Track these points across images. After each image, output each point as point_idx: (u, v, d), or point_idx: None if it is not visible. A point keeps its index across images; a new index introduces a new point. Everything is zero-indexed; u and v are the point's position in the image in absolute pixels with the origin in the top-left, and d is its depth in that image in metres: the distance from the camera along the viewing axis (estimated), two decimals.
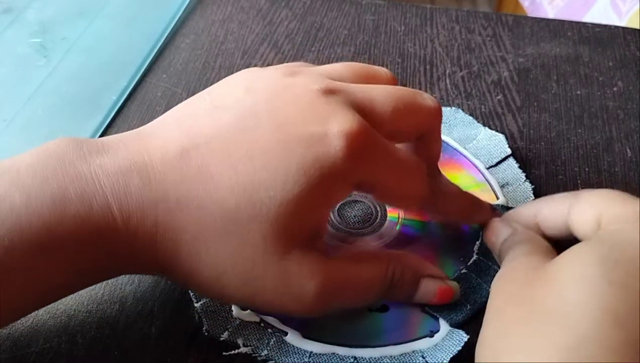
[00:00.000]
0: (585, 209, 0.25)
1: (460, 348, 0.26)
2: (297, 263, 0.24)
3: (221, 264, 0.24)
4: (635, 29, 0.44)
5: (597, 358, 0.18)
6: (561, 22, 0.45)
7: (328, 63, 0.41)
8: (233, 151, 0.24)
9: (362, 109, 0.25)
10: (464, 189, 0.30)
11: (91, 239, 0.22)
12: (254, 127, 0.24)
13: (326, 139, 0.23)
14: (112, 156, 0.24)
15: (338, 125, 0.24)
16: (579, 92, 0.39)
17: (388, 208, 0.32)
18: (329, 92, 0.25)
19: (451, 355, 0.26)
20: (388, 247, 0.30)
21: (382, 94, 0.26)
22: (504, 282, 0.25)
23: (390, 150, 0.26)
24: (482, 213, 0.30)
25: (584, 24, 0.45)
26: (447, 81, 0.40)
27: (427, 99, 0.27)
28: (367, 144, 0.24)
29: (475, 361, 0.22)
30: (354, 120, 0.24)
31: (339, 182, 0.24)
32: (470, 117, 0.37)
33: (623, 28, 0.44)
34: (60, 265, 0.22)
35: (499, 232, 0.28)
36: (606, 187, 0.34)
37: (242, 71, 0.27)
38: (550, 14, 1.01)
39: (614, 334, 0.19)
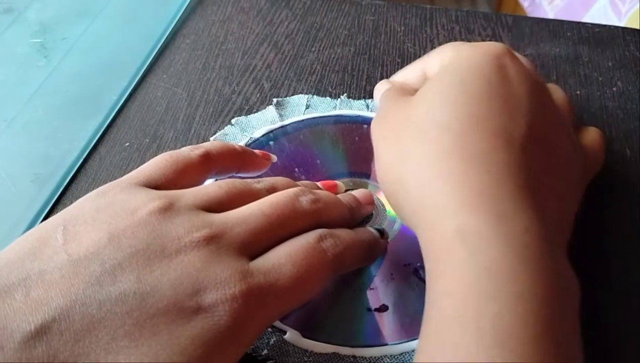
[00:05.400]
0: (433, 61, 0.32)
1: None
2: None
3: None
4: (634, 29, 0.44)
5: (461, 158, 0.24)
6: (561, 23, 0.45)
7: (328, 63, 0.42)
8: (88, 331, 0.20)
9: (245, 245, 0.23)
10: None
11: None
12: (117, 297, 0.20)
13: (201, 312, 0.21)
14: None
15: (215, 293, 0.21)
16: (578, 92, 0.39)
17: (388, 208, 0.32)
18: (208, 242, 0.22)
19: None
20: (388, 246, 0.31)
21: (261, 218, 0.24)
22: (382, 121, 0.30)
23: (282, 286, 0.23)
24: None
25: (584, 24, 0.45)
26: None
27: (306, 201, 0.26)
28: (253, 300, 0.22)
29: (382, 179, 0.28)
30: (234, 280, 0.22)
31: (231, 347, 0.21)
32: None
33: (622, 28, 0.44)
34: None
35: (380, 88, 0.34)
36: (606, 187, 0.34)
37: (107, 194, 0.24)
38: (550, 14, 1.01)
39: (474, 140, 0.25)
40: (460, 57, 0.28)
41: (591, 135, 0.31)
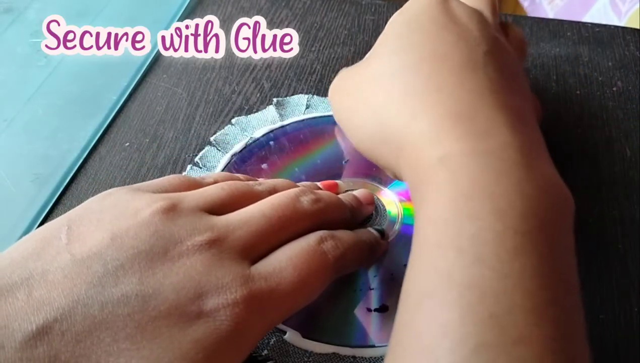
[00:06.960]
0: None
1: None
2: None
3: None
4: (634, 29, 0.44)
5: (433, 91, 0.25)
6: (561, 22, 0.45)
7: (328, 63, 0.42)
8: (89, 332, 0.19)
9: (247, 249, 0.23)
10: None
11: None
12: (120, 298, 0.20)
13: (203, 316, 0.21)
14: None
15: (217, 298, 0.21)
16: (578, 92, 0.39)
17: (388, 208, 0.32)
18: (210, 245, 0.22)
19: None
20: (389, 246, 0.31)
21: (262, 220, 0.24)
22: (338, 91, 0.32)
23: (283, 291, 0.23)
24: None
25: (584, 24, 0.45)
26: None
27: (307, 202, 0.26)
28: (254, 305, 0.22)
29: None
30: (235, 285, 0.22)
31: (232, 352, 0.21)
32: None
33: (622, 28, 0.44)
34: None
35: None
36: (606, 187, 0.34)
37: (113, 195, 0.24)
38: (550, 14, 1.01)
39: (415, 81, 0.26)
40: (403, 10, 0.29)
41: (516, 34, 0.32)
